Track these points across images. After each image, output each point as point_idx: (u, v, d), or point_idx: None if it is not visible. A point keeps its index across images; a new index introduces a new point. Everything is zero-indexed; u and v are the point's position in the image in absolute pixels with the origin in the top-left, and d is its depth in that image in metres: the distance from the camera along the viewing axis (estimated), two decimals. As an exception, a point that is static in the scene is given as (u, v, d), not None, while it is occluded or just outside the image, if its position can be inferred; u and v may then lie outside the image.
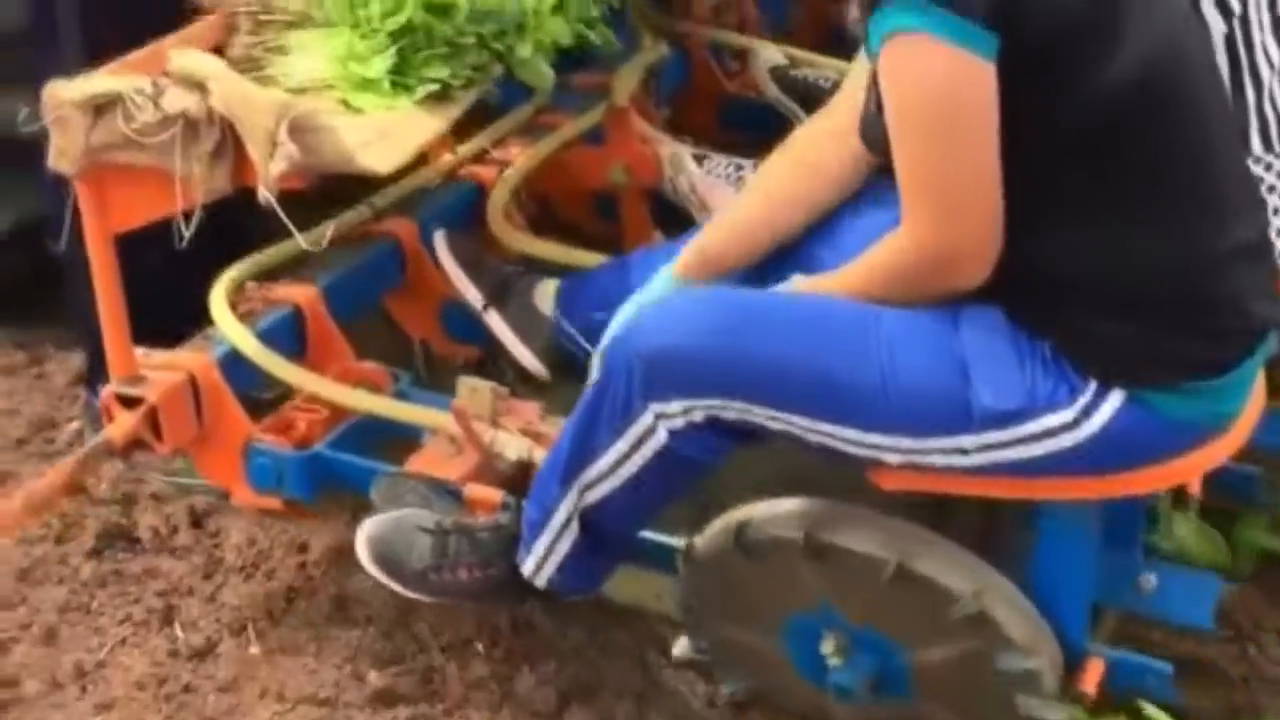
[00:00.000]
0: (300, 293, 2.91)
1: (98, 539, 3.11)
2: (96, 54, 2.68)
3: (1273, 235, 2.60)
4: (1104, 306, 2.18)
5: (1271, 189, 2.62)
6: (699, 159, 3.35)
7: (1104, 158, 2.16)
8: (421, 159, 3.30)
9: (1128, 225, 2.17)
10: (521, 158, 3.34)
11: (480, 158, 3.39)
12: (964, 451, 2.20)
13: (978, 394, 2.18)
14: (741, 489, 2.52)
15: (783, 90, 3.81)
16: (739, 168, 3.31)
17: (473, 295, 3.03)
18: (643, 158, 3.45)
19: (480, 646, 2.79)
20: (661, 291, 2.53)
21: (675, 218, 3.44)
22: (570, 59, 3.51)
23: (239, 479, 2.79)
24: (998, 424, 2.18)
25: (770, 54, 3.88)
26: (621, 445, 2.33)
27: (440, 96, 2.74)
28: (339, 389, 2.80)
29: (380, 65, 2.68)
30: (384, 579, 2.59)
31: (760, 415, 2.25)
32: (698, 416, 2.26)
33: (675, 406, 2.26)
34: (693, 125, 3.94)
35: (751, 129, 3.77)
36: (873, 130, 2.36)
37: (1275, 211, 2.62)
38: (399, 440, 2.82)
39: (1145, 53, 2.14)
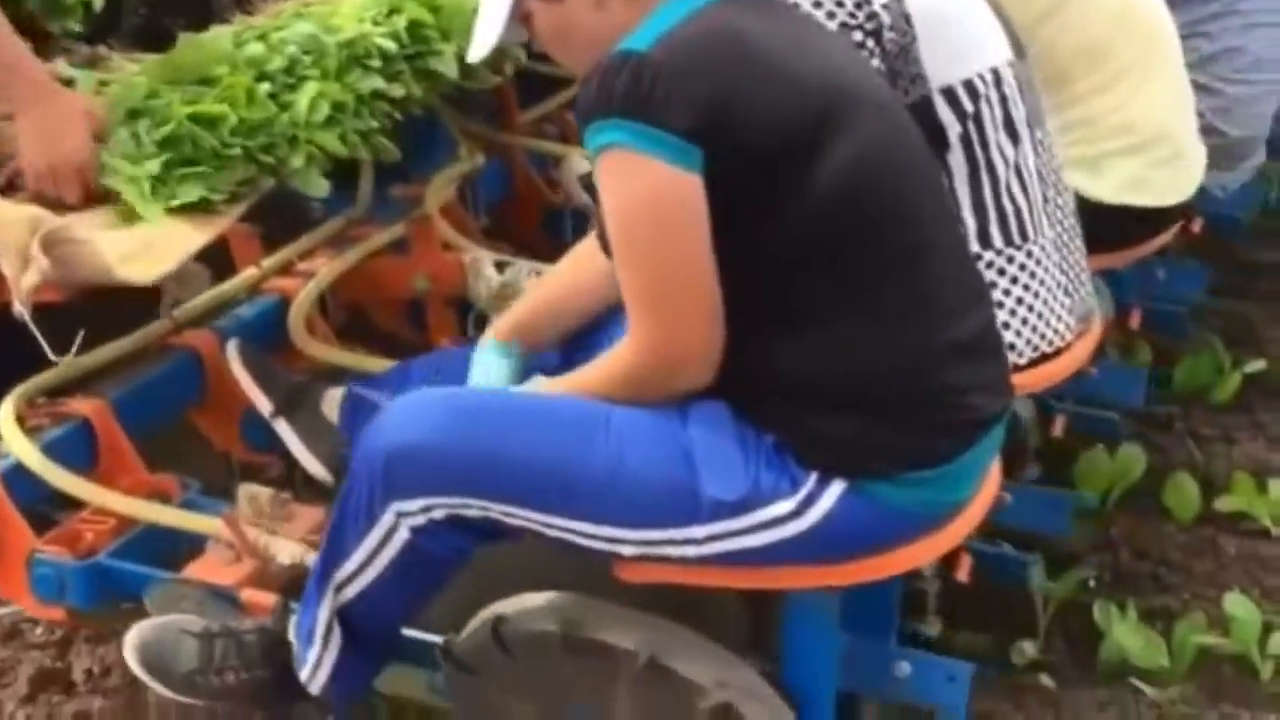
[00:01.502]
0: (89, 406, 2.92)
1: (31, 683, 3.15)
2: None
3: (1018, 324, 2.69)
4: (821, 404, 2.23)
5: (1014, 280, 2.69)
6: (501, 265, 3.40)
7: (817, 264, 2.22)
8: (228, 271, 3.36)
9: (841, 328, 2.23)
10: (324, 269, 3.39)
11: (287, 270, 3.44)
12: (696, 542, 2.24)
13: (704, 485, 2.22)
14: (507, 584, 2.52)
15: (592, 196, 3.88)
16: (539, 273, 3.37)
17: (262, 403, 3.06)
18: (445, 266, 3.48)
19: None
20: (491, 369, 2.64)
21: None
22: (394, 170, 3.59)
23: (24, 590, 2.79)
24: (725, 514, 2.22)
25: (579, 161, 3.96)
26: (368, 544, 2.35)
27: (205, 209, 2.79)
28: (117, 498, 2.81)
29: (145, 170, 2.73)
30: (152, 683, 2.59)
31: (498, 511, 2.28)
32: (439, 514, 2.29)
33: (415, 505, 2.29)
34: (517, 234, 4.01)
35: (574, 236, 3.83)
36: (605, 239, 2.44)
37: (1020, 301, 2.69)
38: (193, 550, 2.82)
39: (854, 164, 2.21)
